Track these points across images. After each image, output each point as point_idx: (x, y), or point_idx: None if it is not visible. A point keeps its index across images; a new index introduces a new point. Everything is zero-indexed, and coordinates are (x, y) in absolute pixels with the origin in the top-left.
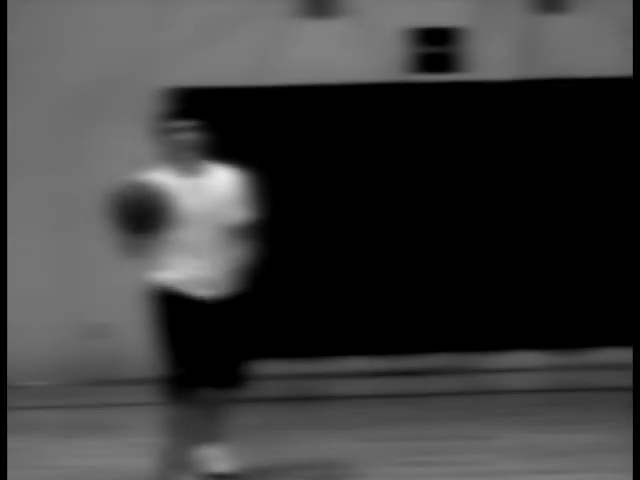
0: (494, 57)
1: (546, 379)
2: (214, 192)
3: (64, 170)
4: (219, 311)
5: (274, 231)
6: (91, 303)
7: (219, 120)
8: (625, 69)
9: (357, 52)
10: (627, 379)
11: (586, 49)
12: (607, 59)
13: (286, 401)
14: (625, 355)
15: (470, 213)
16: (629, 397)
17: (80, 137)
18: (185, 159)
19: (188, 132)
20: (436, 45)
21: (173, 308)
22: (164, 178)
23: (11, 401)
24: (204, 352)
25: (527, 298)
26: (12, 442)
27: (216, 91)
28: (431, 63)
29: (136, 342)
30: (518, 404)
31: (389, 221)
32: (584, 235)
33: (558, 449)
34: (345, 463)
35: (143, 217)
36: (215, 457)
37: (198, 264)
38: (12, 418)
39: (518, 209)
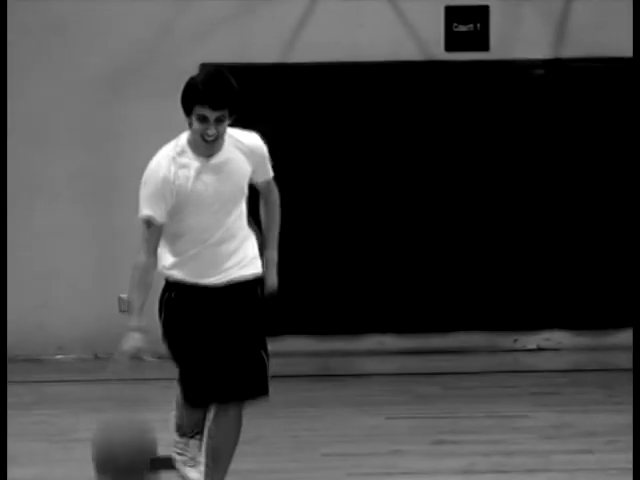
0: (527, 36)
1: (573, 359)
2: (234, 170)
3: (96, 146)
4: (236, 300)
5: (296, 208)
6: (124, 278)
7: (247, 97)
8: None
9: (388, 30)
10: None
11: (618, 28)
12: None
13: (313, 378)
14: None
15: (501, 191)
16: None
17: (112, 113)
18: (205, 146)
19: (214, 123)
20: (468, 23)
21: (179, 304)
22: (181, 159)
23: (44, 374)
24: (217, 353)
25: (556, 279)
26: (41, 415)
27: (246, 68)
28: (463, 41)
29: None
30: (547, 383)
31: (420, 200)
32: (614, 217)
33: (586, 429)
34: (375, 441)
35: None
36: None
37: (212, 244)
38: (43, 391)
39: (550, 188)
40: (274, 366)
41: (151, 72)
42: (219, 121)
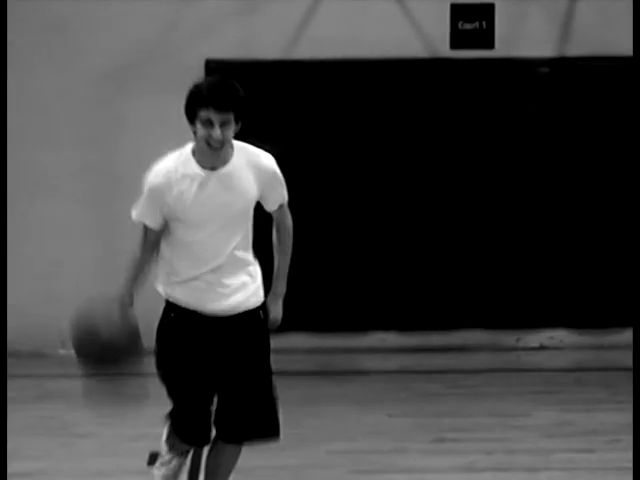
0: (532, 34)
1: (576, 357)
2: (240, 185)
3: (98, 142)
4: (238, 332)
5: (298, 205)
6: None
7: (252, 93)
8: None
9: (394, 27)
10: None
11: (622, 27)
12: None
13: (315, 375)
14: None
15: (505, 189)
16: None
17: (115, 110)
18: (210, 154)
19: (219, 127)
20: (474, 21)
21: (178, 329)
22: (183, 168)
23: (45, 369)
24: (222, 392)
25: (559, 277)
26: (43, 410)
27: (249, 64)
28: (468, 39)
29: None
30: (549, 382)
31: (424, 197)
32: (618, 215)
33: (588, 428)
34: (376, 438)
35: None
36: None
37: (213, 270)
38: (45, 385)
39: (553, 186)
40: (276, 362)
41: (154, 69)
42: (224, 125)
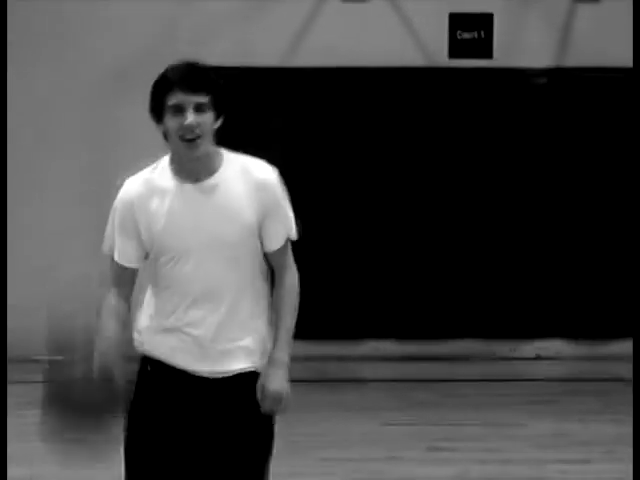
0: (530, 44)
1: (571, 368)
2: (230, 202)
3: (96, 145)
4: (232, 399)
5: (295, 213)
6: None
7: (251, 100)
8: None
9: (392, 36)
10: None
11: (620, 38)
12: None
13: (311, 383)
14: None
15: (502, 199)
16: None
17: (115, 114)
18: (187, 153)
19: (192, 112)
20: (472, 31)
21: (153, 392)
22: (157, 180)
23: (38, 374)
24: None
25: (555, 287)
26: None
27: (249, 71)
28: (467, 49)
29: None
30: (544, 392)
31: (420, 206)
32: (614, 226)
33: (583, 439)
34: (371, 446)
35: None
36: None
37: (200, 316)
38: (36, 392)
39: (551, 196)
40: None
41: (153, 74)
42: (199, 111)
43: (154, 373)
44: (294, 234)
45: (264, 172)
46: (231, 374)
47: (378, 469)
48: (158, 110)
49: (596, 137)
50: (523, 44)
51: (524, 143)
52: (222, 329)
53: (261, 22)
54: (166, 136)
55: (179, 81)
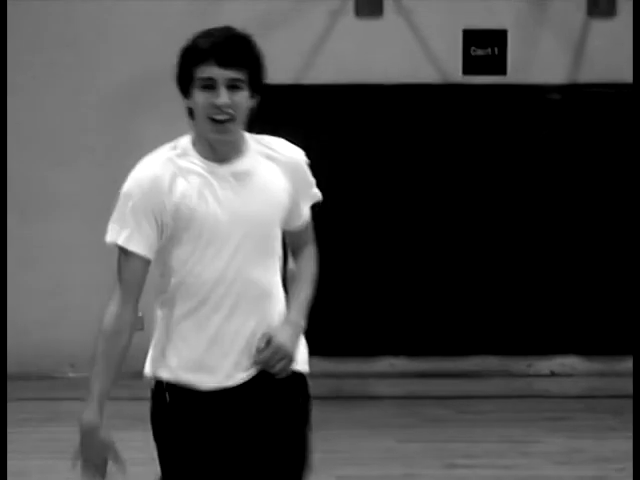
0: (544, 61)
1: (586, 384)
2: (267, 185)
3: (109, 162)
4: (270, 415)
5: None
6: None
7: (265, 117)
8: None
9: (406, 52)
10: None
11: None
12: None
13: (327, 400)
14: None
15: (518, 215)
16: None
17: (127, 130)
18: (216, 137)
19: (226, 89)
20: (486, 47)
21: (182, 416)
22: (180, 161)
23: (56, 392)
24: None
25: (570, 304)
26: (53, 432)
27: (264, 87)
28: (481, 65)
29: None
30: (560, 409)
31: (435, 224)
32: (629, 242)
33: (598, 455)
34: (387, 463)
35: None
36: None
37: (241, 317)
38: (56, 408)
39: (568, 212)
40: None
41: (167, 89)
42: (233, 89)
43: (176, 402)
44: (319, 196)
45: (292, 151)
46: (269, 381)
47: None
48: (185, 82)
49: (609, 152)
50: (537, 60)
51: (538, 158)
52: (250, 322)
53: (275, 39)
54: (192, 113)
55: (212, 51)
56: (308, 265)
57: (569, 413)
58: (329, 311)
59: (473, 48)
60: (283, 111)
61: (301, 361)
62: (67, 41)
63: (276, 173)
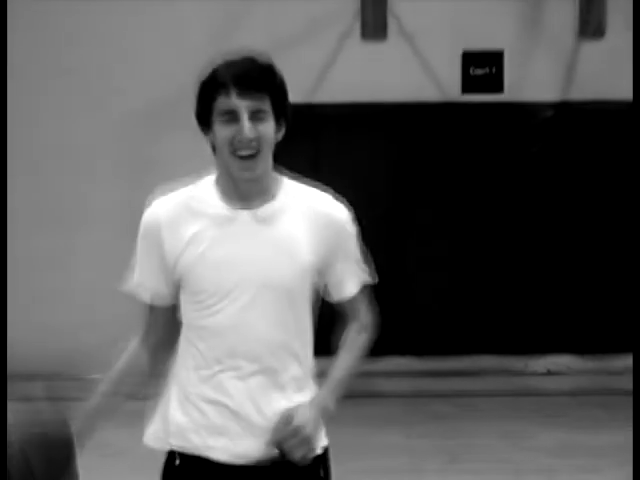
0: (539, 80)
1: (581, 382)
2: (288, 236)
3: (136, 178)
4: None
5: None
6: None
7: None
8: None
9: (409, 73)
10: None
11: (625, 72)
12: None
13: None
14: None
15: (514, 223)
16: None
17: (152, 146)
18: (240, 173)
19: (249, 121)
20: (484, 67)
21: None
22: (198, 202)
23: (81, 391)
24: None
25: (565, 305)
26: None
27: None
28: (479, 84)
29: None
30: (555, 405)
31: (435, 232)
32: (622, 248)
33: (592, 449)
34: (393, 458)
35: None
36: None
37: (243, 381)
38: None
39: (561, 220)
40: None
41: (187, 107)
42: (257, 118)
43: (185, 467)
44: (370, 278)
45: (332, 206)
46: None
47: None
48: (205, 116)
49: (602, 168)
50: (532, 79)
51: (532, 173)
52: (270, 395)
53: (286, 61)
54: (215, 149)
55: (232, 80)
56: (354, 342)
57: (564, 409)
58: (336, 312)
59: (472, 68)
60: (294, 129)
61: (320, 436)
62: (93, 64)
63: (306, 226)
